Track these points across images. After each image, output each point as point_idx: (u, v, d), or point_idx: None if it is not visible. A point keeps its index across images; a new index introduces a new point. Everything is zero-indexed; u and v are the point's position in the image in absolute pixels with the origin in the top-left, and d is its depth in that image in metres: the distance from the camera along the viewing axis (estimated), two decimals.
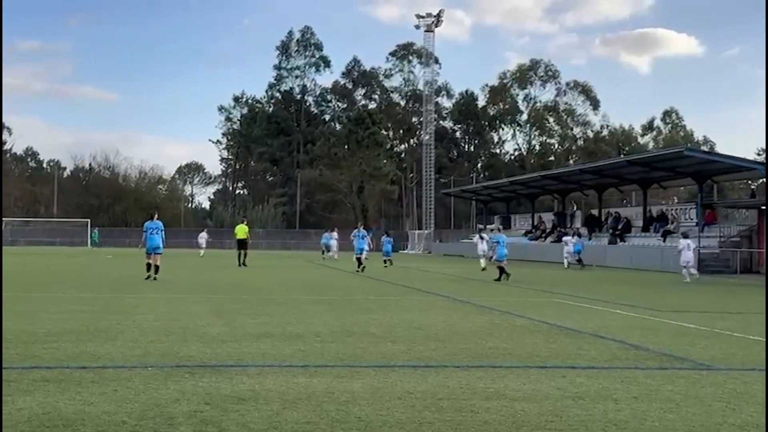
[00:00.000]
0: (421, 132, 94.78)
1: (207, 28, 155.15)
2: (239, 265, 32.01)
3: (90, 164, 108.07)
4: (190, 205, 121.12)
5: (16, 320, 11.08)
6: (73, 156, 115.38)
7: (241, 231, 34.47)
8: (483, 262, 33.42)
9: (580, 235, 41.46)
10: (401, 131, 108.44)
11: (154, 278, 21.45)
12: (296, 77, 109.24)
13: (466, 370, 7.70)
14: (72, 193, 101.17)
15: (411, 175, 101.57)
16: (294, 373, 7.34)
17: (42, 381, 6.66)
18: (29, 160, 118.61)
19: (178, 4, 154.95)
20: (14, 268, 28.96)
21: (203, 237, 50.97)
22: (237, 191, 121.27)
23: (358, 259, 30.01)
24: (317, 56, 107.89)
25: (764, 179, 53.41)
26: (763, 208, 35.30)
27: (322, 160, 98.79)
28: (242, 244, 34.08)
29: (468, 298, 16.95)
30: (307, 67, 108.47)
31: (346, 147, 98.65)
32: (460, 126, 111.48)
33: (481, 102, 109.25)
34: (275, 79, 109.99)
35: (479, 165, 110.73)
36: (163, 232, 23.39)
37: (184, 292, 17.54)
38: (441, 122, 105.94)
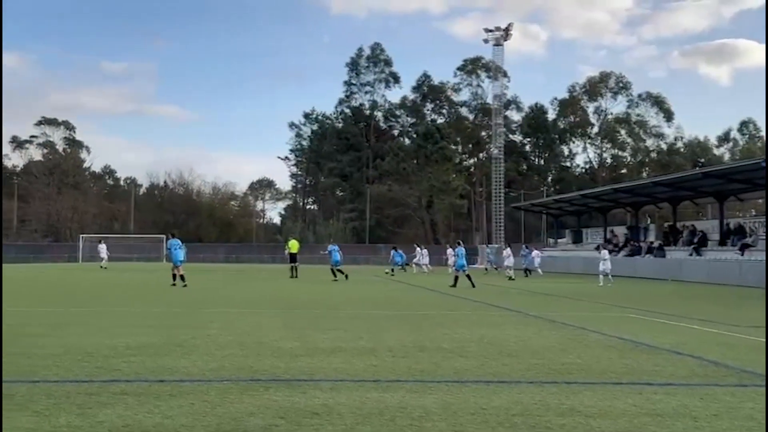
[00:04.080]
0: (490, 146, 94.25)
1: (282, 48, 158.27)
2: (291, 276, 35.57)
3: (165, 181, 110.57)
4: (261, 220, 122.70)
5: (97, 334, 11.39)
6: (149, 173, 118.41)
7: (294, 246, 37.99)
8: (511, 272, 38.20)
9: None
10: (470, 145, 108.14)
11: (184, 285, 25.93)
12: (366, 93, 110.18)
13: (540, 386, 7.61)
14: (147, 210, 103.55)
15: (480, 189, 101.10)
16: (366, 388, 7.36)
17: (122, 394, 6.82)
18: (107, 177, 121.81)
19: (255, 25, 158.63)
20: (94, 283, 29.79)
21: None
22: (307, 206, 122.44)
23: (457, 277, 29.51)
24: (387, 72, 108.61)
25: None
26: None
27: (391, 175, 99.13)
28: (293, 258, 37.29)
29: (540, 313, 16.75)
30: (376, 82, 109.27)
31: (415, 162, 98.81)
32: (529, 139, 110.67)
33: (551, 115, 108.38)
34: (345, 95, 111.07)
35: (549, 178, 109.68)
36: (182, 248, 28.23)
37: (256, 307, 17.75)
38: (510, 136, 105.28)
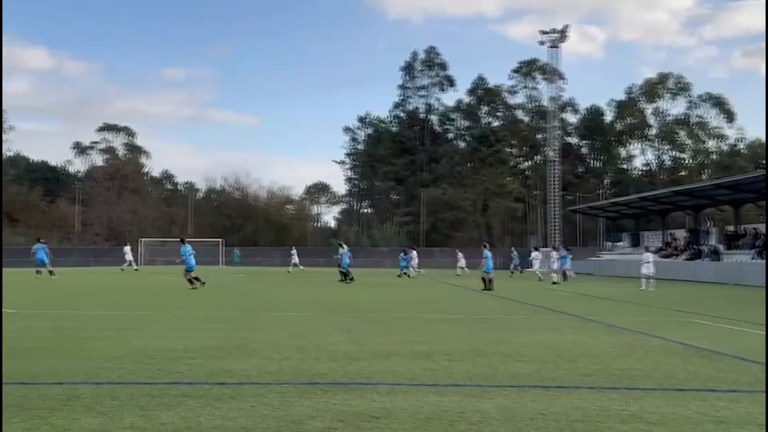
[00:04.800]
0: (546, 148, 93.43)
1: (338, 53, 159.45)
2: (340, 280, 35.81)
3: (222, 185, 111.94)
4: (317, 224, 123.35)
5: (158, 337, 11.58)
6: (207, 178, 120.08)
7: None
8: (555, 276, 38.02)
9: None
10: (525, 148, 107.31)
11: (193, 288, 26.95)
12: (420, 97, 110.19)
13: (600, 391, 7.52)
14: (205, 214, 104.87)
15: (536, 192, 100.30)
16: (424, 392, 7.35)
17: (183, 396, 6.92)
18: (165, 182, 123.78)
19: (312, 31, 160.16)
20: (155, 286, 30.28)
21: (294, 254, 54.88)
22: (362, 210, 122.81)
23: (489, 279, 29.97)
24: (441, 75, 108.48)
25: None
26: None
27: (445, 178, 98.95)
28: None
29: (598, 318, 16.55)
30: (431, 86, 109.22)
31: (469, 165, 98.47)
32: (586, 142, 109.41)
33: (609, 117, 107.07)
34: (400, 99, 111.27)
35: (606, 181, 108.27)
36: (193, 253, 29.02)
37: (312, 310, 17.85)
38: (566, 138, 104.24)
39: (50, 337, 11.49)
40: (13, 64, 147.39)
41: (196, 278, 28.09)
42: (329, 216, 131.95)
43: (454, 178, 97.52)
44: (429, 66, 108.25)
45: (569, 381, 8.15)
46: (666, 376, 8.61)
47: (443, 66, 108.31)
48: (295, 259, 53.86)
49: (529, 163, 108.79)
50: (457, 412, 6.42)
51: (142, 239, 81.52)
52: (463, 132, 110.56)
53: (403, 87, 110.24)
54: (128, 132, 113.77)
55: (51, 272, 37.27)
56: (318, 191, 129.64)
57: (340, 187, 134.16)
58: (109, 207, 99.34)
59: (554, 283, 36.42)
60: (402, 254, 48.12)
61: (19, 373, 8.13)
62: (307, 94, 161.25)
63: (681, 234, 54.72)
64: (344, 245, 38.05)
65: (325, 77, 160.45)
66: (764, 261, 39.87)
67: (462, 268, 50.97)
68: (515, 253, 51.78)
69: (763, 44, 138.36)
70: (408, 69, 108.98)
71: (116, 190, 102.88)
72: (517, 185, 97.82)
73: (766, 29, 59.46)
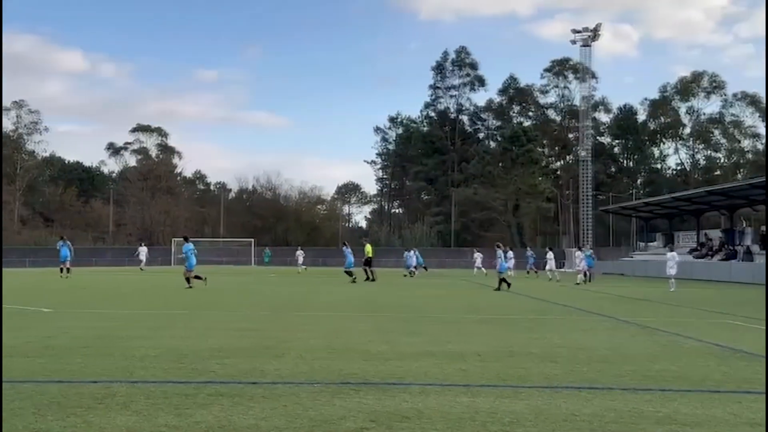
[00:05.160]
0: (578, 148, 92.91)
1: (369, 54, 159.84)
2: (366, 279, 36.41)
3: (253, 186, 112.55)
4: (347, 224, 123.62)
5: (191, 337, 11.68)
6: (238, 178, 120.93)
7: (369, 250, 39.03)
8: (579, 277, 37.75)
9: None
10: (557, 148, 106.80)
11: (189, 286, 27.16)
12: (451, 97, 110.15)
13: (634, 393, 7.46)
14: (236, 214, 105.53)
15: (568, 192, 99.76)
16: (456, 392, 7.34)
17: (216, 395, 6.97)
18: (198, 182, 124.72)
19: (343, 32, 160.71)
20: (185, 286, 30.51)
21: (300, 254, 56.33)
22: (392, 210, 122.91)
23: (503, 279, 29.81)
24: (472, 75, 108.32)
25: None
26: None
27: (477, 178, 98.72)
28: (368, 262, 38.27)
29: (631, 319, 16.41)
30: (462, 86, 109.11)
31: (501, 165, 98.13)
32: (618, 141, 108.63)
33: (642, 116, 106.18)
34: (431, 99, 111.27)
35: (639, 181, 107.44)
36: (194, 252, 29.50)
37: (343, 310, 17.90)
38: (598, 138, 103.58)
39: (86, 336, 11.63)
40: (50, 67, 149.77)
41: (197, 277, 28.32)
42: (360, 216, 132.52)
43: (485, 177, 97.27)
44: (460, 66, 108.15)
45: (602, 382, 8.09)
46: (701, 377, 8.52)
47: (474, 66, 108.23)
48: (300, 259, 54.79)
49: (561, 162, 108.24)
50: (489, 412, 6.41)
51: (174, 239, 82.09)
52: (494, 132, 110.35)
53: (433, 87, 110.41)
54: (161, 133, 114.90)
55: (68, 269, 38.20)
56: (349, 191, 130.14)
57: (370, 187, 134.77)
58: (142, 207, 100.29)
59: (577, 284, 36.05)
60: (406, 253, 48.94)
61: (56, 371, 8.25)
62: (338, 94, 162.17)
63: (715, 234, 54.14)
64: (348, 245, 38.51)
65: (356, 78, 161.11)
66: None
67: (479, 268, 51.12)
68: (530, 252, 51.72)
69: None
70: (439, 69, 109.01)
71: (149, 190, 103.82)
72: (548, 185, 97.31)
73: (766, 29, 59.05)
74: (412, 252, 48.38)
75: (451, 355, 9.99)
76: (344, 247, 37.88)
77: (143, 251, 54.72)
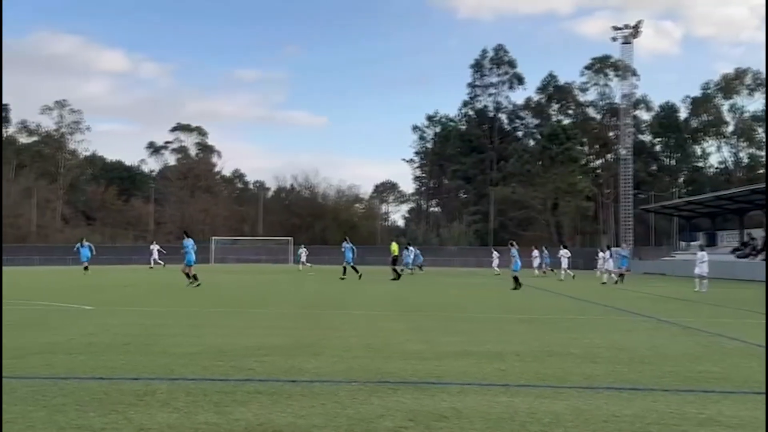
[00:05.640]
0: (618, 146, 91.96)
1: (408, 52, 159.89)
2: (393, 279, 35.88)
3: (291, 185, 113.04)
4: (385, 223, 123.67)
5: (230, 335, 11.78)
6: (277, 177, 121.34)
7: (394, 248, 38.89)
8: (607, 276, 37.38)
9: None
10: (597, 146, 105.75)
11: (198, 284, 26.71)
12: (489, 95, 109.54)
13: (676, 394, 7.37)
14: (275, 213, 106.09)
15: (608, 190, 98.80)
16: (495, 392, 7.31)
17: (256, 393, 7.02)
18: (236, 181, 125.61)
19: (382, 31, 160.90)
20: (228, 284, 30.79)
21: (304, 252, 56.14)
22: (430, 209, 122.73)
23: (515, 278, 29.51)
24: (511, 73, 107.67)
25: None
26: None
27: (515, 177, 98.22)
28: (395, 261, 38.34)
29: (673, 319, 16.22)
30: (500, 84, 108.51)
31: (539, 163, 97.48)
32: (660, 139, 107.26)
33: (683, 114, 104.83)
34: (469, 97, 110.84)
35: (681, 179, 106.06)
36: (194, 248, 29.16)
37: (380, 309, 17.90)
38: (639, 136, 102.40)
39: (127, 333, 11.77)
40: (92, 67, 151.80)
41: (194, 276, 27.83)
42: (397, 215, 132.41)
43: (523, 176, 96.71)
44: (498, 64, 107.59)
45: (644, 383, 8.00)
46: (744, 379, 8.40)
47: (512, 64, 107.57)
48: (304, 257, 54.80)
49: (601, 161, 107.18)
50: (528, 413, 6.37)
51: (214, 237, 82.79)
52: (533, 130, 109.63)
53: (472, 85, 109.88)
54: (200, 132, 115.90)
55: (86, 268, 38.96)
56: (386, 190, 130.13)
57: (408, 185, 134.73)
58: (181, 206, 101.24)
59: (603, 283, 35.80)
60: (405, 251, 48.55)
61: (97, 368, 8.36)
62: (376, 93, 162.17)
63: (759, 234, 53.26)
64: (348, 239, 38.42)
65: (394, 76, 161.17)
66: None
67: (497, 267, 50.86)
68: (546, 252, 51.35)
69: None
70: (477, 67, 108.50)
71: (188, 189, 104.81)
72: (588, 184, 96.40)
73: (766, 29, 58.28)
74: (411, 249, 48.66)
75: (490, 354, 9.95)
76: (345, 243, 37.92)
77: (155, 249, 54.86)
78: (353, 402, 6.68)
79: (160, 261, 53.34)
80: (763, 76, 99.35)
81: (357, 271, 36.48)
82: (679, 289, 31.68)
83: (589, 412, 6.42)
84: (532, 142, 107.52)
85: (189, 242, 28.95)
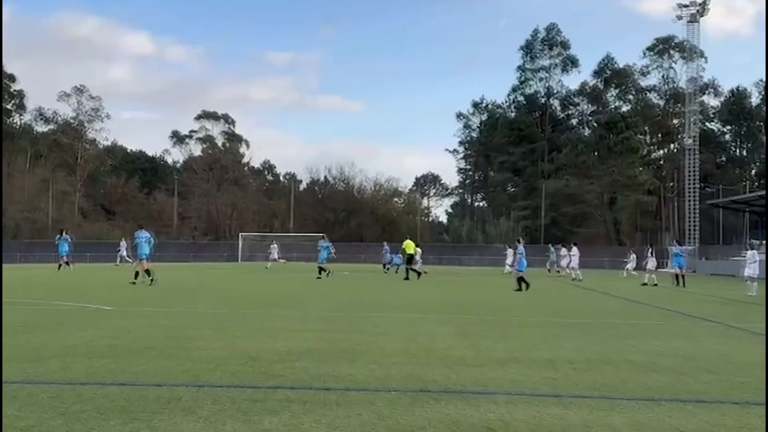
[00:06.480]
0: (683, 135, 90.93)
1: (452, 33, 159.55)
2: (405, 278, 36.01)
3: (325, 177, 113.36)
4: (426, 218, 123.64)
5: (260, 338, 11.86)
6: (309, 169, 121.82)
7: (410, 246, 38.12)
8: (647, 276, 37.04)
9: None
10: (659, 135, 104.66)
11: (152, 280, 27.09)
12: (541, 79, 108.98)
13: (746, 407, 7.28)
14: (307, 207, 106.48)
15: (671, 184, 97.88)
16: (546, 403, 7.29)
17: (287, 401, 7.06)
18: (266, 173, 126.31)
19: (424, 10, 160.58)
20: (254, 284, 30.98)
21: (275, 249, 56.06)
22: (475, 203, 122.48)
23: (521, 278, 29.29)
24: (564, 55, 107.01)
25: None
26: None
27: (568, 168, 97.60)
28: (410, 260, 37.77)
29: (743, 325, 16.02)
30: (552, 67, 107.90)
31: (595, 154, 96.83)
32: (729, 127, 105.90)
33: (755, 100, 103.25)
34: (518, 82, 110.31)
35: (753, 171, 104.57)
36: (150, 241, 29.40)
37: (420, 311, 17.91)
38: (706, 124, 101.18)
39: (149, 336, 11.91)
40: (115, 50, 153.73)
41: (147, 272, 27.74)
42: (440, 210, 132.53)
43: (577, 168, 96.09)
44: (550, 45, 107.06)
45: (710, 395, 7.92)
46: None
47: (565, 45, 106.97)
48: (275, 254, 54.85)
49: (663, 151, 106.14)
50: (582, 426, 6.34)
51: (242, 233, 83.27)
52: (589, 117, 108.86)
53: (521, 68, 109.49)
54: (227, 120, 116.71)
55: (68, 263, 40.06)
56: (428, 183, 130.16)
57: (451, 178, 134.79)
58: (207, 199, 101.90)
59: (644, 284, 35.60)
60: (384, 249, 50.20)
61: (119, 373, 8.47)
62: (417, 77, 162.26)
63: None
64: (326, 238, 38.99)
65: (437, 60, 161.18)
66: None
67: (509, 265, 50.56)
68: (552, 250, 50.98)
69: None
70: (527, 49, 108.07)
71: (215, 181, 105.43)
72: (649, 176, 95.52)
73: (766, 30, 57.92)
74: (388, 248, 49.67)
75: (540, 362, 9.92)
76: (322, 240, 38.22)
77: (123, 246, 54.89)
78: (392, 412, 6.70)
79: (129, 258, 53.49)
80: None
81: (324, 270, 36.67)
82: (749, 291, 31.27)
83: (649, 426, 6.38)
84: (587, 131, 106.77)
85: (143, 234, 29.13)
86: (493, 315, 17.50)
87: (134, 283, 27.35)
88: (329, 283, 31.70)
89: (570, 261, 43.12)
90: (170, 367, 8.90)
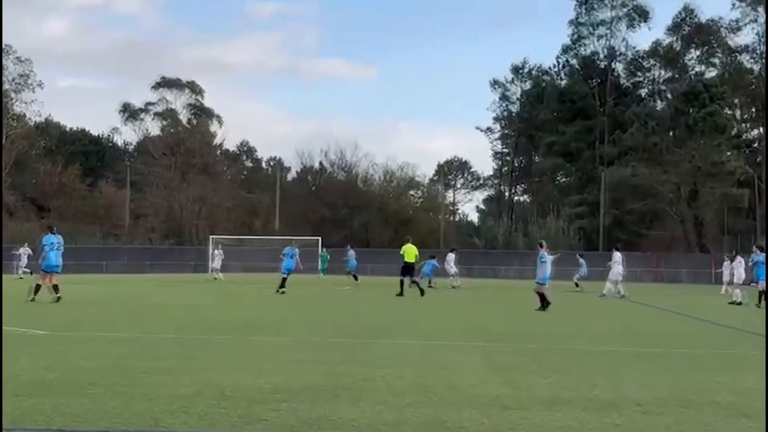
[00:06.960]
0: None
1: None
2: (398, 294, 35.78)
3: (320, 163, 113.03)
4: (452, 217, 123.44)
5: (237, 371, 11.91)
6: (299, 152, 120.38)
7: (410, 253, 37.59)
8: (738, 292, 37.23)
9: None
10: (754, 109, 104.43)
11: (58, 298, 26.92)
12: (600, 37, 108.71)
13: None
14: (297, 202, 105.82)
15: None
16: None
17: None
18: (244, 158, 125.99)
19: None
20: (230, 301, 31.04)
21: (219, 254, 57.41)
22: (515, 197, 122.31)
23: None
24: (630, 6, 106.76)
25: None
26: None
27: (636, 153, 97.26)
28: (408, 270, 37.45)
29: None
30: (616, 21, 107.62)
31: (671, 134, 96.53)
32: None
33: None
34: (572, 41, 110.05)
35: None
36: (60, 248, 28.62)
37: (443, 338, 17.92)
38: None
39: (94, 367, 11.95)
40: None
41: (55, 287, 27.49)
42: (469, 206, 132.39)
43: (647, 152, 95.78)
44: None
45: None
46: None
47: None
48: (218, 262, 55.14)
49: (759, 131, 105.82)
50: None
51: (213, 237, 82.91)
52: (662, 87, 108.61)
53: (575, 23, 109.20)
54: (194, 89, 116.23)
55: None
56: (454, 171, 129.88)
57: (484, 165, 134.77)
58: (168, 192, 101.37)
59: (731, 302, 35.77)
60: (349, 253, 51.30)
61: (54, 416, 8.47)
62: (443, 35, 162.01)
63: None
64: (294, 244, 40.05)
65: (468, 13, 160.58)
66: None
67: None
68: (582, 261, 51.15)
69: None
70: None
71: (178, 169, 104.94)
72: (740, 163, 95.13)
73: (766, 30, 58.10)
74: (352, 252, 51.33)
75: (599, 403, 9.94)
76: (289, 248, 39.26)
77: (23, 253, 54.99)
78: None
79: (26, 269, 53.51)
80: None
81: (283, 286, 37.39)
82: None
83: None
84: (660, 104, 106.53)
85: (49, 238, 28.72)
86: (535, 341, 17.48)
87: (33, 299, 27.13)
88: (324, 302, 31.75)
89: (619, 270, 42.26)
90: (121, 409, 8.92)
